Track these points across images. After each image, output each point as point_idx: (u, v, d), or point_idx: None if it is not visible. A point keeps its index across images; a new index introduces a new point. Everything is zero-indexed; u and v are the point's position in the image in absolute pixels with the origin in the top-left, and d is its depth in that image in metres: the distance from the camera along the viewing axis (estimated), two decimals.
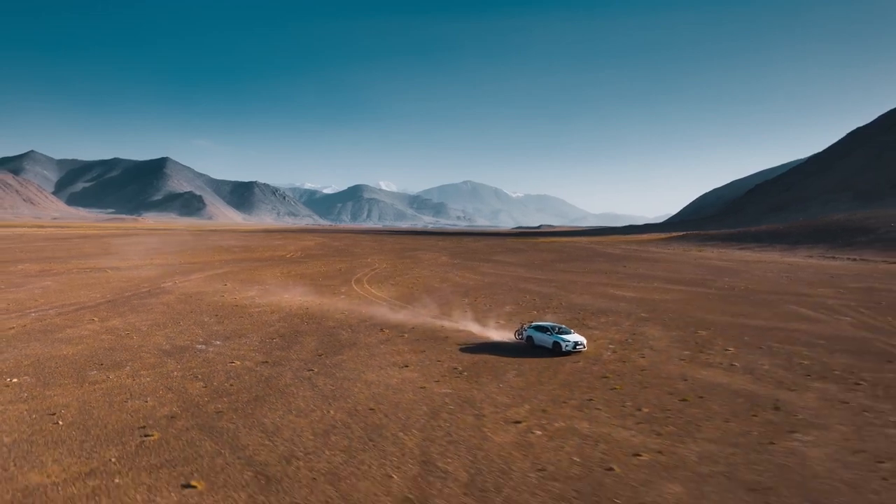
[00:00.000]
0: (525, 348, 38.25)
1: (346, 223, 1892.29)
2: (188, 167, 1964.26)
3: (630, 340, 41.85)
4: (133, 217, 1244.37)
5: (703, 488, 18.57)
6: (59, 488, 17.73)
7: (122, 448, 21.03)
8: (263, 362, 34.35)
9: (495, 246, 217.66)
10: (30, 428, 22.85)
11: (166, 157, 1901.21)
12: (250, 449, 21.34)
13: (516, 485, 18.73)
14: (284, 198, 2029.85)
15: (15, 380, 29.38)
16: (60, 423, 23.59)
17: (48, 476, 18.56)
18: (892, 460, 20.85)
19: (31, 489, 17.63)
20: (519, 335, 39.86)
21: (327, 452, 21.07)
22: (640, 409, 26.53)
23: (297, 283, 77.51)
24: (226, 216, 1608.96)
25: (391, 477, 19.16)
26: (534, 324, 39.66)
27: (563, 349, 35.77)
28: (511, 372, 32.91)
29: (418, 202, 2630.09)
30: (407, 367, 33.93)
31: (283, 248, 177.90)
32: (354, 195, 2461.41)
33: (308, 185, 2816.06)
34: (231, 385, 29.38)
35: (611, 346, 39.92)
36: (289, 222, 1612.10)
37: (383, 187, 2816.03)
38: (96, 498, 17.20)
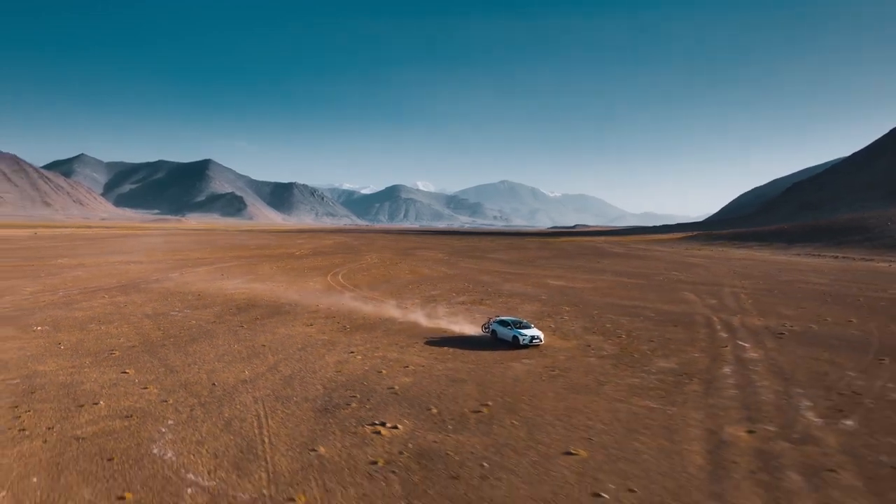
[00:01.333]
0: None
1: (384, 223, 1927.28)
2: (230, 169, 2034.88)
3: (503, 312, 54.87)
4: (177, 218, 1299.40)
5: (425, 379, 32.06)
6: (55, 374, 32.59)
7: (94, 358, 35.93)
8: (212, 321, 49.08)
9: (502, 244, 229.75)
10: (43, 350, 37.99)
11: (209, 159, 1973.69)
12: (170, 360, 35.90)
13: (318, 377, 32.63)
14: (323, 198, 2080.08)
15: (38, 328, 44.86)
16: (62, 347, 38.73)
17: (49, 368, 33.50)
18: (559, 370, 33.85)
19: (39, 372, 32.55)
20: (485, 328, 42.90)
21: (215, 363, 35.42)
22: (443, 347, 39.91)
23: (282, 274, 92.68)
24: (266, 217, 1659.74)
25: (244, 373, 33.32)
26: (498, 319, 42.53)
27: (521, 342, 39.01)
28: (379, 330, 46.63)
29: (455, 202, 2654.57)
30: (311, 325, 48.07)
31: (298, 246, 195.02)
32: (392, 195, 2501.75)
33: (346, 186, 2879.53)
34: (180, 333, 44.13)
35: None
36: (327, 222, 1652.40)
37: (420, 187, 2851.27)
38: (74, 375, 31.96)
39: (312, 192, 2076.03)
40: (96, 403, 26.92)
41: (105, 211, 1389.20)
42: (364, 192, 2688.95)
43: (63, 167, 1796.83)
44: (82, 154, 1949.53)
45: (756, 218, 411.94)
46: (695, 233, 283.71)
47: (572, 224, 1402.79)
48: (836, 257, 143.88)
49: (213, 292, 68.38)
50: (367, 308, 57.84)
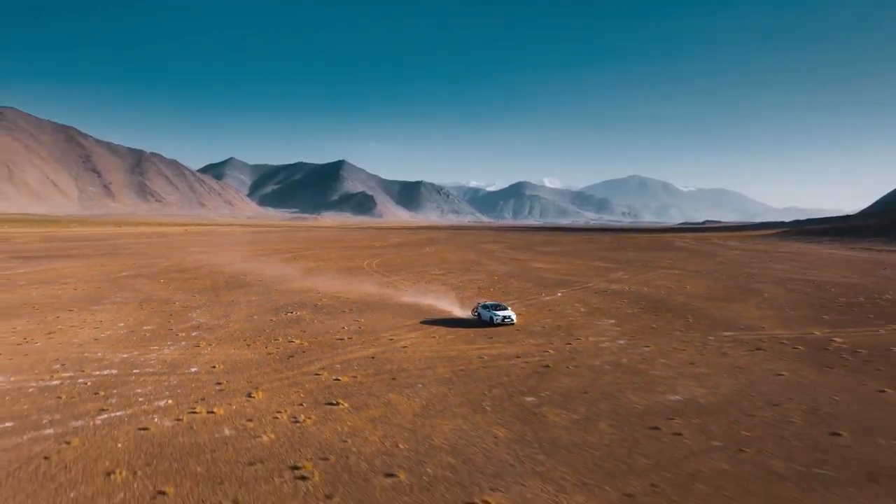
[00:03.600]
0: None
1: (508, 220, 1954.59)
2: (362, 169, 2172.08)
3: (478, 285, 78.31)
4: (313, 216, 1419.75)
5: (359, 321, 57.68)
6: (173, 295, 62.30)
7: (187, 290, 65.55)
8: (224, 288, 78.01)
9: (571, 240, 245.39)
10: (170, 288, 68.39)
11: (343, 160, 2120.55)
12: (223, 296, 64.48)
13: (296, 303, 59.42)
14: (448, 196, 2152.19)
15: (162, 280, 76.14)
16: (173, 287, 69.01)
17: (171, 296, 63.38)
18: (494, 336, 57.73)
19: (169, 299, 62.47)
20: (474, 312, 48.46)
21: (206, 306, 63.43)
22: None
23: (323, 261, 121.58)
24: (394, 214, 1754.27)
25: (213, 314, 60.86)
26: (483, 303, 48.45)
27: (494, 322, 45.02)
28: (327, 273, 72.51)
29: (581, 198, 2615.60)
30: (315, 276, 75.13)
31: (380, 239, 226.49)
32: (516, 192, 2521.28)
33: (473, 184, 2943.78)
34: (230, 284, 73.14)
35: (459, 282, 77.04)
36: (452, 220, 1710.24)
37: (546, 184, 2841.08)
38: (179, 294, 61.34)
39: (438, 190, 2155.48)
40: (178, 303, 55.47)
41: (250, 210, 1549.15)
42: (489, 189, 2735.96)
43: (215, 170, 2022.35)
44: (232, 158, 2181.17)
45: None
46: (784, 230, 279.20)
47: (701, 220, 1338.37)
48: (869, 250, 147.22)
49: (246, 272, 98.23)
50: (370, 276, 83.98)
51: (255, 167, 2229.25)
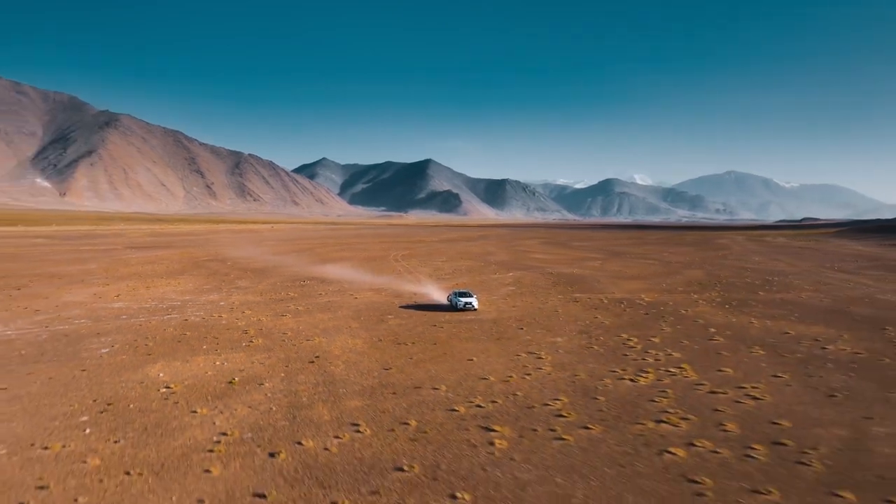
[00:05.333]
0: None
1: (596, 218, 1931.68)
2: (448, 167, 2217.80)
3: (455, 270, 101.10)
4: (399, 214, 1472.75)
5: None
6: (250, 259, 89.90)
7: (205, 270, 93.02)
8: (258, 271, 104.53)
9: (605, 236, 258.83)
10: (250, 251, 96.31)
11: (429, 159, 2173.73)
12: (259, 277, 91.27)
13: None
14: (534, 194, 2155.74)
15: (206, 259, 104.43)
16: (229, 265, 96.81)
17: (249, 255, 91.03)
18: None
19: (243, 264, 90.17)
20: (449, 299, 55.71)
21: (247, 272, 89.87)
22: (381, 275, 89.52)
23: (361, 250, 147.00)
24: (479, 212, 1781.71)
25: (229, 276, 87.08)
26: (455, 291, 56.36)
27: (458, 307, 52.38)
28: (352, 260, 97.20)
29: (673, 195, 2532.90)
30: (328, 266, 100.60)
31: (438, 234, 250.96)
32: (605, 189, 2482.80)
33: (560, 181, 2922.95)
34: (269, 266, 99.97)
35: (451, 268, 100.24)
36: (538, 217, 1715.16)
37: (637, 181, 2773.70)
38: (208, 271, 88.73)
39: (524, 187, 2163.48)
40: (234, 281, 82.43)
41: (340, 209, 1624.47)
42: (577, 186, 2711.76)
43: (308, 170, 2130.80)
44: (324, 158, 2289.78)
45: None
46: (842, 229, 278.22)
47: (800, 218, 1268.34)
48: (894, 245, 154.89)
49: (275, 265, 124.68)
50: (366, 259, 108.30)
51: (346, 167, 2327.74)
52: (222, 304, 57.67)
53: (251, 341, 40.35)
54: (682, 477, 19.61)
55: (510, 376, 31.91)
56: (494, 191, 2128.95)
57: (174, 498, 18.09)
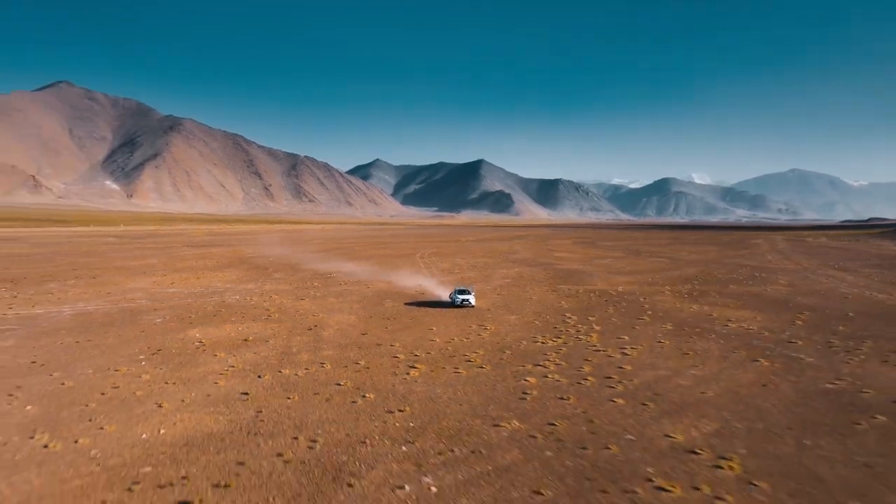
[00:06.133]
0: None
1: (651, 218, 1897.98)
2: (500, 168, 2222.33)
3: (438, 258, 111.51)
4: (450, 215, 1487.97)
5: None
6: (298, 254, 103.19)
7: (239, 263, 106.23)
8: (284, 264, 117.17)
9: (642, 236, 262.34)
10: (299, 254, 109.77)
11: (482, 160, 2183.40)
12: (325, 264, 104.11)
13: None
14: (587, 193, 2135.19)
15: (252, 255, 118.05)
16: (271, 260, 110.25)
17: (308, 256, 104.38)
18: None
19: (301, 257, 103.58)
20: (450, 296, 59.26)
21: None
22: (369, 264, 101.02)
23: (382, 253, 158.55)
24: (531, 212, 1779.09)
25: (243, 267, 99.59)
26: (457, 287, 60.45)
27: (455, 303, 56.67)
28: (379, 258, 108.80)
29: (732, 195, 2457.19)
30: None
31: (476, 234, 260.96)
32: (661, 189, 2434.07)
33: (615, 181, 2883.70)
34: (303, 262, 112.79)
35: (466, 263, 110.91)
36: (591, 217, 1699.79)
37: (695, 180, 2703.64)
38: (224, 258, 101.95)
39: (577, 187, 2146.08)
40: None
41: (393, 209, 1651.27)
42: (632, 186, 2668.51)
43: (362, 172, 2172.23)
44: (377, 159, 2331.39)
45: None
46: (886, 229, 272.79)
47: (867, 217, 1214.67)
48: None
49: (296, 263, 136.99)
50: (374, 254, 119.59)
51: (399, 168, 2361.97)
52: (256, 290, 69.89)
53: (269, 316, 51.98)
54: (521, 391, 29.74)
55: (453, 339, 42.30)
56: (547, 191, 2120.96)
57: (192, 394, 29.42)
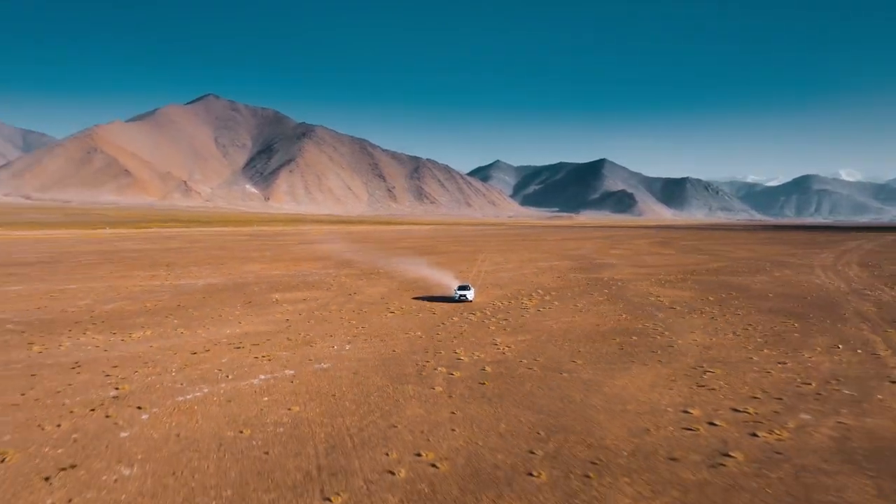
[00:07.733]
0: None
1: (789, 218, 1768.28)
2: (623, 167, 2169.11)
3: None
4: (569, 215, 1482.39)
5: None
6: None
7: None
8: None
9: (748, 239, 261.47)
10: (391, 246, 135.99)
11: (604, 159, 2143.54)
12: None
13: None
14: (717, 192, 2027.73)
15: (351, 249, 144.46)
16: (358, 249, 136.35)
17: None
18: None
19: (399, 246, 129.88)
20: (454, 292, 64.58)
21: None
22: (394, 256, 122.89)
23: (455, 250, 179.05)
24: (655, 212, 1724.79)
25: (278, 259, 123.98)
26: (459, 285, 66.13)
27: (455, 298, 62.67)
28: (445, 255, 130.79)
29: (886, 192, 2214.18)
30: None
31: (576, 233, 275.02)
32: (801, 187, 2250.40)
33: (750, 178, 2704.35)
34: (377, 260, 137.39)
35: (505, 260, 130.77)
36: (721, 217, 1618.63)
37: (843, 176, 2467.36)
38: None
39: (706, 186, 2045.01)
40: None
41: (512, 210, 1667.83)
42: (770, 184, 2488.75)
43: (482, 173, 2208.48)
44: (498, 160, 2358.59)
45: None
46: None
47: None
48: None
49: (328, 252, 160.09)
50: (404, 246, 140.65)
51: (519, 168, 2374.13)
52: (332, 274, 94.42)
53: (329, 288, 75.77)
54: (438, 326, 50.59)
55: (437, 298, 63.59)
56: (672, 190, 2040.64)
57: (260, 319, 53.13)
